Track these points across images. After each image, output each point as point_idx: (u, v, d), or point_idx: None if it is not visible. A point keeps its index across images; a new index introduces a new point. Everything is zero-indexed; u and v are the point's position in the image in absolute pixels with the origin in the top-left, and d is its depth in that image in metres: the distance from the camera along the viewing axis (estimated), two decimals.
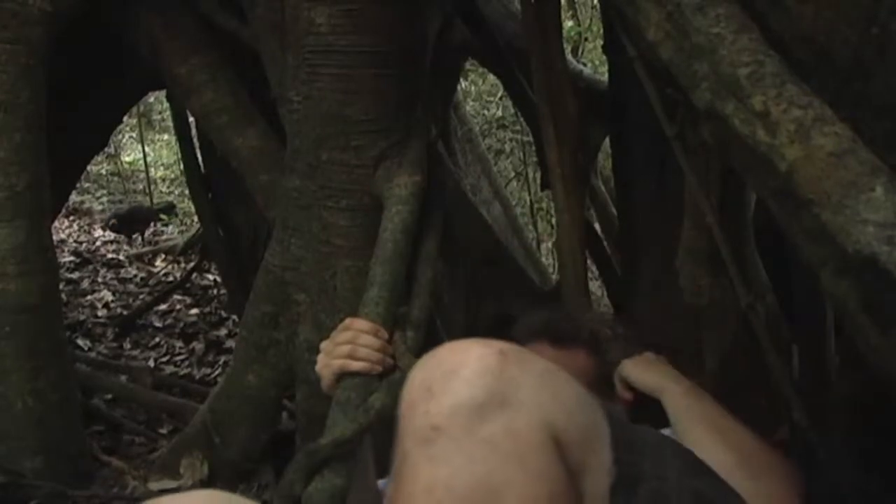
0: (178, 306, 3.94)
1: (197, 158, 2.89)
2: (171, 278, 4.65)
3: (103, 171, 8.44)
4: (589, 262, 2.18)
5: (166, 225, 6.39)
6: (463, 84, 5.21)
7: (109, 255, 5.20)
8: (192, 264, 4.40)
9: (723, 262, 1.30)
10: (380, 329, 1.45)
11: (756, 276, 1.50)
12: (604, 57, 2.33)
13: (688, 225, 1.47)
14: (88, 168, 4.55)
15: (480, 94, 6.02)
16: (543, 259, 4.57)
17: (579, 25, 5.35)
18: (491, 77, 5.05)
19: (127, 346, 3.42)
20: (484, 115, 5.85)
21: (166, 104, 3.90)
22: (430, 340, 1.53)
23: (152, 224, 6.14)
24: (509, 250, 2.72)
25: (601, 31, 3.21)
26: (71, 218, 6.46)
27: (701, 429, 1.17)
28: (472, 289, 2.18)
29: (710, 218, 1.31)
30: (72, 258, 4.92)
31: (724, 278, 1.41)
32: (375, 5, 1.67)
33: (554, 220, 3.14)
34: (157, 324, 3.68)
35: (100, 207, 7.11)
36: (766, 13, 0.99)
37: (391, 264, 1.58)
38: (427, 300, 1.62)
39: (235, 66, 2.19)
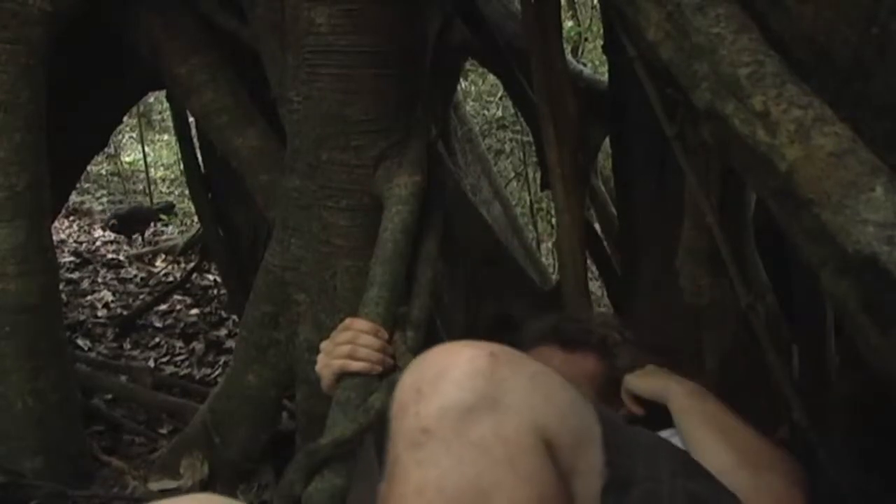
0: (178, 306, 3.94)
1: (197, 158, 2.89)
2: (171, 278, 4.65)
3: (103, 172, 8.44)
4: (589, 262, 2.18)
5: (166, 225, 6.39)
6: (463, 84, 5.21)
7: (109, 256, 5.20)
8: (192, 264, 4.40)
9: (723, 262, 1.30)
10: (380, 329, 1.46)
11: (756, 276, 1.51)
12: (604, 57, 2.33)
13: (688, 225, 1.47)
14: (88, 168, 4.55)
15: (480, 94, 6.02)
16: (543, 259, 4.57)
17: (579, 25, 5.35)
18: (491, 77, 5.05)
19: (127, 346, 3.42)
20: (484, 115, 5.85)
21: (166, 104, 3.90)
22: (430, 340, 1.53)
23: (152, 224, 6.14)
24: (509, 250, 2.72)
25: (601, 31, 3.21)
26: (71, 218, 6.46)
27: (704, 428, 1.17)
28: (472, 289, 2.18)
29: (710, 218, 1.31)
30: (72, 258, 4.91)
31: (724, 278, 1.41)
32: (375, 5, 1.67)
33: (554, 221, 3.13)
34: (158, 324, 3.67)
35: (100, 207, 7.11)
36: (766, 13, 0.99)
37: (391, 264, 1.58)
38: (427, 300, 1.62)
39: (235, 66, 2.18)
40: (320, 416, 1.49)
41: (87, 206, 7.00)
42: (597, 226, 2.99)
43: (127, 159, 8.79)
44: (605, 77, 2.27)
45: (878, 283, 0.78)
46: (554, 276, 3.45)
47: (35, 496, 1.87)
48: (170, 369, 3.16)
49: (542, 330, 1.48)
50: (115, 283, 4.54)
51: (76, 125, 2.42)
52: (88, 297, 4.08)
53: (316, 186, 1.77)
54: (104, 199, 7.66)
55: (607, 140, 2.17)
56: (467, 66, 4.26)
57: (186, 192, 4.37)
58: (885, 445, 1.25)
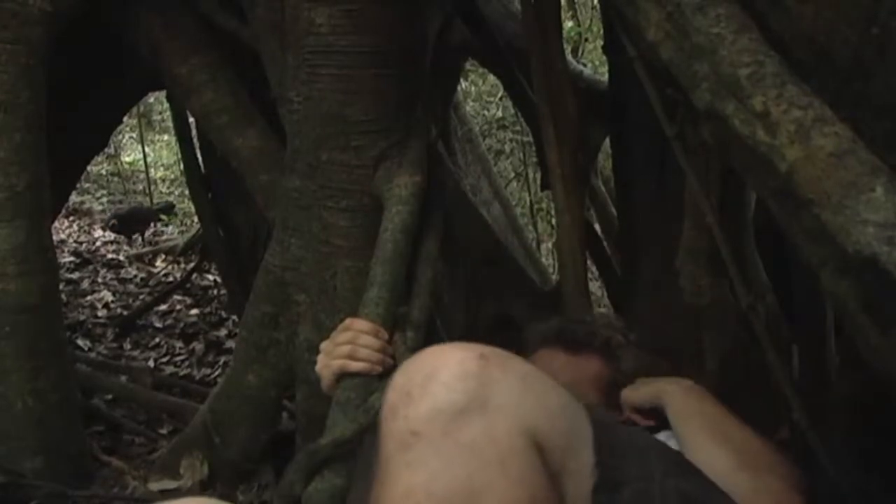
0: (178, 307, 3.94)
1: (197, 159, 2.89)
2: (171, 279, 4.65)
3: (103, 172, 8.44)
4: (589, 262, 2.18)
5: (166, 225, 6.40)
6: (463, 84, 5.21)
7: (109, 256, 5.20)
8: (192, 265, 4.40)
9: (723, 262, 1.30)
10: (380, 329, 1.45)
11: (756, 276, 1.51)
12: (604, 57, 2.34)
13: (688, 225, 1.47)
14: (88, 168, 4.55)
15: (481, 94, 6.03)
16: (543, 259, 4.58)
17: (579, 26, 5.36)
18: (491, 77, 5.05)
19: (127, 346, 3.42)
20: (484, 115, 5.85)
21: (166, 104, 3.90)
22: (430, 341, 1.53)
23: (152, 224, 6.14)
24: (509, 250, 2.72)
25: (601, 31, 3.21)
26: (71, 218, 6.47)
27: (702, 431, 1.16)
28: (472, 289, 2.18)
29: (710, 218, 1.31)
30: (72, 258, 4.91)
31: (724, 278, 1.41)
32: (375, 5, 1.67)
33: (554, 221, 3.13)
34: (158, 324, 3.67)
35: (100, 208, 7.11)
36: (766, 13, 0.99)
37: (391, 264, 1.58)
38: (427, 300, 1.62)
39: (235, 66, 2.18)
40: (320, 417, 1.49)
41: (87, 206, 7.00)
42: (597, 226, 2.99)
43: (127, 159, 8.80)
44: (605, 77, 2.27)
45: (878, 284, 0.78)
46: (554, 277, 3.45)
47: (35, 496, 1.87)
48: (170, 369, 3.16)
49: (544, 332, 1.47)
50: (115, 283, 4.54)
51: (76, 125, 2.42)
52: (88, 297, 4.08)
53: (316, 186, 1.77)
54: (104, 199, 7.66)
55: (607, 140, 2.17)
56: (467, 66, 4.26)
57: (186, 192, 4.37)
58: (885, 445, 1.25)
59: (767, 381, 1.36)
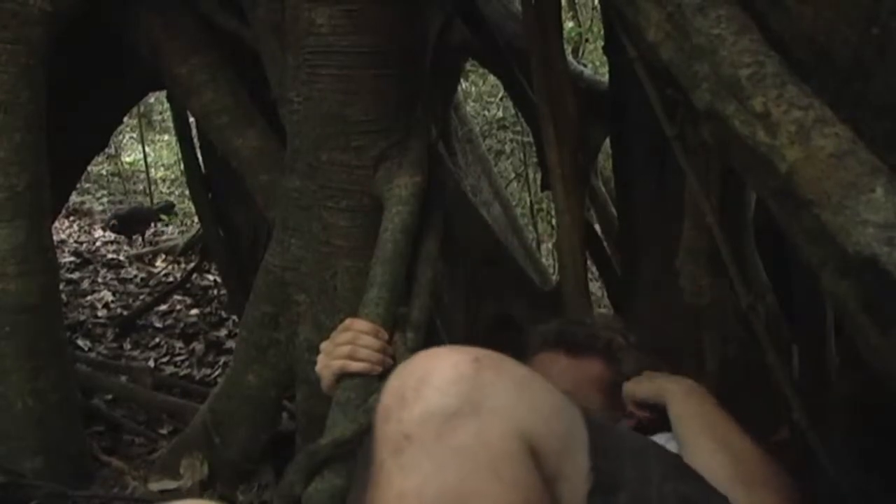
0: (178, 307, 3.94)
1: (197, 159, 2.89)
2: (171, 279, 4.65)
3: (103, 172, 8.44)
4: (589, 262, 2.18)
5: (167, 225, 6.40)
6: (463, 85, 5.21)
7: (110, 256, 5.20)
8: (192, 265, 4.40)
9: (723, 262, 1.30)
10: (380, 330, 1.45)
11: (756, 276, 1.51)
12: (604, 58, 2.33)
13: (688, 225, 1.47)
14: (88, 168, 4.55)
15: (481, 94, 6.03)
16: (543, 259, 4.58)
17: (580, 26, 5.36)
18: (491, 78, 5.06)
19: (127, 346, 3.42)
20: (484, 115, 5.85)
21: (166, 104, 3.90)
22: (429, 341, 1.54)
23: (152, 224, 6.14)
24: (509, 250, 2.72)
25: (602, 31, 3.21)
26: (71, 218, 6.47)
27: (701, 436, 1.15)
28: (472, 289, 2.18)
29: (710, 218, 1.31)
30: (72, 258, 4.92)
31: (724, 278, 1.41)
32: (375, 5, 1.67)
33: (554, 221, 3.14)
34: (158, 324, 3.67)
35: (100, 208, 7.12)
36: (766, 13, 0.99)
37: (391, 265, 1.58)
38: (427, 301, 1.62)
39: (235, 67, 2.18)
40: (320, 417, 1.49)
41: (87, 206, 7.00)
42: (597, 226, 2.99)
43: (127, 159, 8.80)
44: (605, 77, 2.27)
45: (878, 284, 0.78)
46: (554, 277, 3.45)
47: (35, 496, 1.87)
48: (170, 370, 3.16)
49: (544, 335, 1.47)
50: (115, 283, 4.54)
51: (76, 125, 2.42)
52: (88, 297, 4.08)
53: (316, 187, 1.77)
54: (104, 200, 7.67)
55: (607, 140, 2.17)
56: (467, 66, 4.26)
57: (186, 192, 4.37)
58: (885, 445, 1.25)
59: (767, 381, 1.36)
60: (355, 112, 1.71)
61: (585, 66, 3.88)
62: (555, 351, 1.42)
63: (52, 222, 2.32)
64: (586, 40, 5.31)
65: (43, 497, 1.88)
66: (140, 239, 5.75)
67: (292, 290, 1.85)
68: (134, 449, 2.38)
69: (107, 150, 6.74)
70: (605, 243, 2.63)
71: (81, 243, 5.59)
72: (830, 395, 1.50)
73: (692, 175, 1.32)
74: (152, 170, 8.11)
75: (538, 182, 3.88)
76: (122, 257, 5.18)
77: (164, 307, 3.88)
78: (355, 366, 1.40)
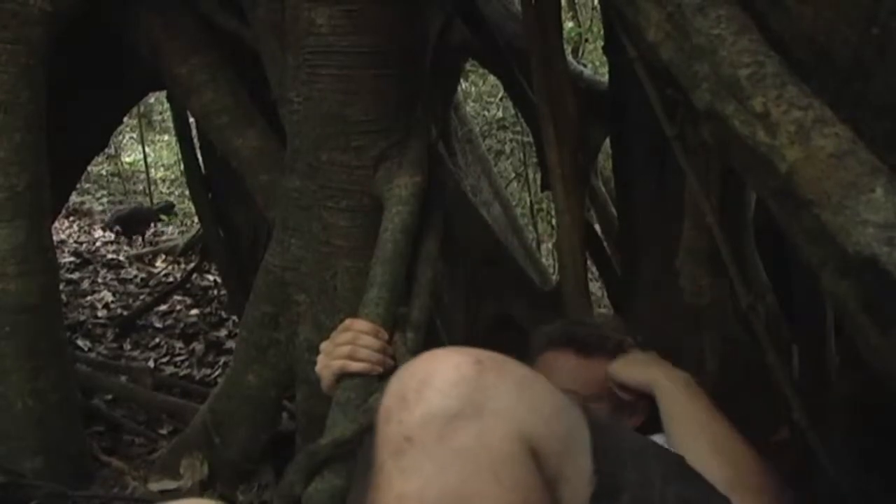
0: (178, 307, 3.94)
1: (197, 159, 2.89)
2: (171, 279, 4.65)
3: (103, 172, 8.45)
4: (589, 262, 2.18)
5: (167, 225, 6.40)
6: (463, 85, 5.21)
7: (109, 256, 5.20)
8: (192, 265, 4.40)
9: (723, 262, 1.30)
10: (380, 330, 1.45)
11: (756, 276, 1.51)
12: (604, 58, 2.33)
13: (688, 225, 1.47)
14: (88, 168, 4.55)
15: (481, 94, 6.03)
16: (543, 259, 4.58)
17: (580, 26, 5.36)
18: (491, 78, 5.06)
19: (127, 346, 3.42)
20: (484, 115, 5.86)
21: (166, 105, 3.90)
22: (430, 341, 1.54)
23: (152, 224, 6.14)
24: (509, 250, 2.72)
25: (601, 31, 3.21)
26: (71, 218, 6.47)
27: (697, 437, 1.15)
28: (472, 289, 2.18)
29: (710, 218, 1.31)
30: (72, 259, 4.92)
31: (724, 278, 1.41)
32: (375, 5, 1.67)
33: (554, 221, 3.14)
34: (158, 324, 3.67)
35: (100, 208, 7.12)
36: (766, 13, 0.99)
37: (391, 265, 1.58)
38: (427, 301, 1.62)
39: (235, 67, 2.18)
40: (320, 417, 1.49)
41: (87, 206, 7.01)
42: (597, 226, 2.99)
43: (127, 159, 8.81)
44: (605, 77, 2.27)
45: (878, 284, 0.78)
46: (554, 277, 3.45)
47: (35, 496, 1.87)
48: (170, 370, 3.16)
49: (552, 334, 1.45)
50: (115, 283, 4.54)
51: (76, 125, 2.42)
52: (88, 298, 4.08)
53: (316, 187, 1.77)
54: (104, 200, 7.67)
55: (607, 140, 2.17)
56: (467, 66, 4.26)
57: (186, 192, 4.38)
58: (885, 445, 1.25)
59: (767, 381, 1.36)
60: (355, 112, 1.71)
61: (585, 66, 3.88)
62: (563, 350, 1.41)
63: (52, 222, 2.33)
64: (586, 40, 5.31)
65: (43, 497, 1.88)
66: (140, 239, 5.75)
67: (292, 290, 1.85)
68: (134, 449, 2.38)
69: (107, 150, 6.74)
70: (605, 243, 2.63)
71: (81, 243, 5.59)
72: (830, 395, 1.49)
73: (692, 175, 1.31)
74: (152, 170, 8.12)
75: (538, 182, 3.88)
76: (122, 257, 5.18)
77: (164, 307, 3.88)
78: (355, 366, 1.40)
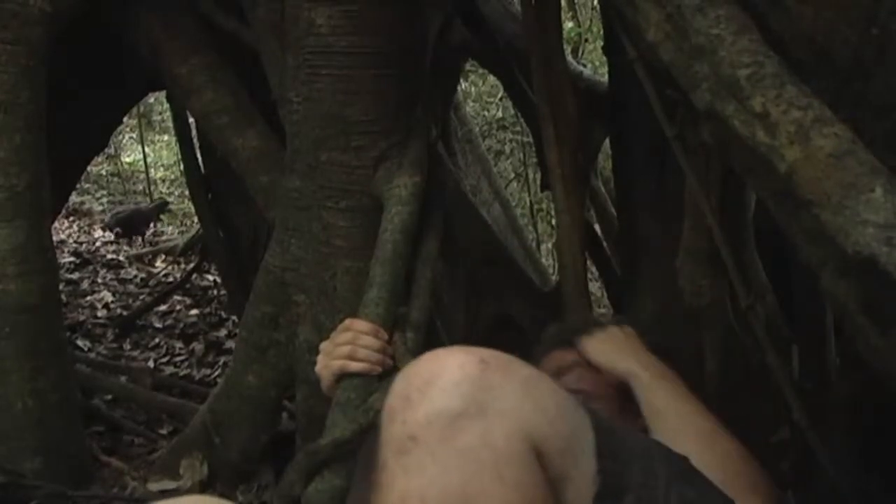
0: (177, 307, 3.94)
1: (197, 159, 2.89)
2: (170, 279, 4.65)
3: (103, 172, 8.45)
4: (589, 262, 2.18)
5: (168, 225, 6.40)
6: (463, 85, 5.21)
7: (109, 256, 5.20)
8: (192, 265, 4.40)
9: (723, 263, 1.30)
10: (380, 330, 1.45)
11: (756, 277, 1.51)
12: (604, 58, 2.33)
13: (688, 225, 1.47)
14: (88, 168, 4.55)
15: (481, 95, 6.03)
16: (543, 260, 4.58)
17: (579, 26, 5.36)
18: (491, 78, 5.06)
19: (127, 346, 3.42)
20: (484, 116, 5.86)
21: (166, 105, 3.90)
22: (429, 341, 1.54)
23: (152, 224, 6.14)
24: (509, 251, 2.72)
25: (601, 31, 3.21)
26: (71, 218, 6.48)
27: (681, 433, 1.13)
28: (472, 289, 2.18)
29: (710, 218, 1.31)
30: (72, 259, 4.92)
31: (723, 278, 1.41)
32: (375, 6, 1.67)
33: (554, 221, 3.14)
34: (157, 324, 3.67)
35: (100, 208, 7.13)
36: (766, 13, 0.99)
37: (391, 265, 1.58)
38: (427, 301, 1.62)
39: (235, 67, 2.19)
40: (320, 417, 1.49)
41: (87, 206, 7.01)
42: (597, 226, 2.99)
43: (127, 160, 8.81)
44: (605, 77, 2.26)
45: (877, 284, 0.78)
46: (554, 277, 3.45)
47: (35, 496, 1.87)
48: (169, 370, 3.16)
49: (563, 333, 1.44)
50: (115, 283, 4.54)
51: (76, 125, 2.42)
52: (88, 298, 4.08)
53: (316, 187, 1.77)
54: (104, 200, 7.67)
55: (607, 140, 2.17)
56: (467, 66, 4.26)
57: (186, 192, 4.37)
58: (885, 445, 1.25)
59: (767, 381, 1.36)
60: (355, 112, 1.71)
61: (585, 66, 3.89)
62: (570, 350, 1.40)
63: (52, 222, 2.33)
64: (586, 40, 5.31)
65: (43, 497, 1.88)
66: (140, 239, 5.76)
67: (292, 290, 1.85)
68: (134, 449, 2.38)
69: (107, 150, 6.76)
70: (605, 243, 2.63)
71: (81, 243, 5.59)
72: (830, 395, 1.49)
73: (692, 175, 1.32)
74: (152, 170, 8.12)
75: (538, 182, 3.88)
76: (121, 257, 5.18)
77: (163, 307, 3.88)
78: (355, 366, 1.40)
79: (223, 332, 3.58)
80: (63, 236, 5.69)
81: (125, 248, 5.57)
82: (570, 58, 2.69)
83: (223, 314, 3.82)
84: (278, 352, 1.91)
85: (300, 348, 1.86)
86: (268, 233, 2.13)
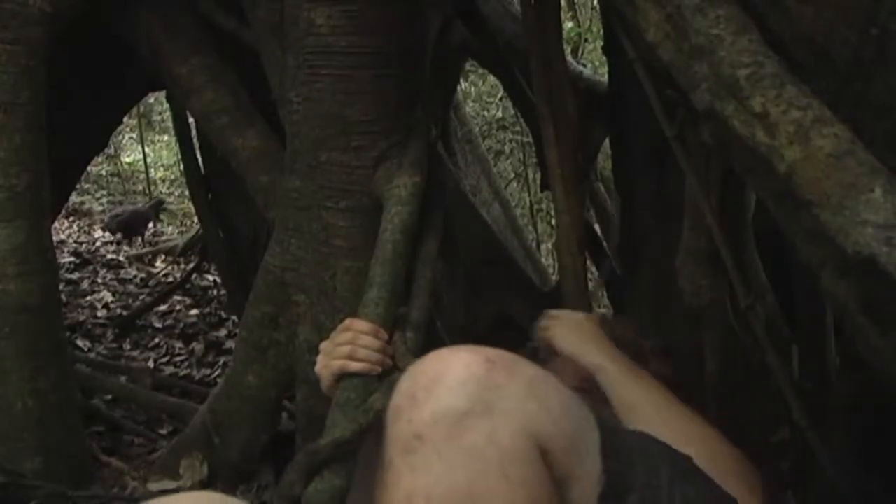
0: (177, 307, 3.94)
1: (197, 159, 2.89)
2: (170, 279, 4.65)
3: (103, 172, 8.45)
4: (589, 262, 2.18)
5: (168, 225, 6.40)
6: (463, 85, 5.21)
7: (109, 256, 5.20)
8: (191, 265, 4.40)
9: (722, 263, 1.30)
10: (379, 330, 1.45)
11: (756, 277, 1.50)
12: (604, 58, 2.33)
13: (688, 225, 1.47)
14: (88, 168, 4.55)
15: (480, 95, 6.03)
16: (543, 259, 4.58)
17: (579, 26, 5.36)
18: (491, 78, 5.06)
19: (127, 346, 3.42)
20: (484, 116, 5.86)
21: (166, 105, 3.90)
22: (429, 341, 1.53)
23: (152, 224, 6.14)
24: (509, 250, 2.72)
25: (601, 32, 3.21)
26: (71, 218, 6.47)
27: (651, 424, 1.11)
28: (472, 289, 2.18)
29: (710, 218, 1.31)
30: (72, 259, 4.92)
31: (723, 279, 1.41)
32: (375, 6, 1.67)
33: (554, 221, 3.14)
34: (157, 324, 3.67)
35: (100, 208, 7.12)
36: (766, 13, 0.99)
37: (391, 265, 1.58)
38: (427, 301, 1.62)
39: (235, 67, 2.19)
40: (320, 417, 1.49)
41: (87, 206, 7.01)
42: (597, 226, 2.99)
43: (127, 160, 8.81)
44: (605, 77, 2.26)
45: (877, 284, 0.78)
46: (554, 277, 3.45)
47: (35, 496, 1.87)
48: (169, 370, 3.16)
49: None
50: (115, 283, 4.54)
51: (76, 125, 2.42)
52: (88, 298, 4.08)
53: (316, 187, 1.77)
54: (104, 200, 7.67)
55: (607, 140, 2.17)
56: (467, 66, 4.26)
57: (186, 192, 4.37)
58: (885, 445, 1.25)
59: (767, 381, 1.36)
60: (355, 112, 1.71)
61: (585, 66, 3.89)
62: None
63: (52, 222, 2.33)
64: (586, 40, 5.31)
65: (43, 497, 1.88)
66: (140, 239, 5.76)
67: (292, 290, 1.85)
68: (134, 449, 2.38)
69: (107, 150, 6.75)
70: (605, 243, 2.63)
71: (81, 243, 5.59)
72: (830, 395, 1.49)
73: (692, 175, 1.32)
74: (152, 170, 8.12)
75: (538, 182, 3.88)
76: (121, 258, 5.18)
77: (163, 307, 3.88)
78: (355, 366, 1.40)
79: (223, 332, 3.58)
80: (63, 236, 5.69)
81: (125, 248, 5.57)
82: (570, 58, 2.70)
83: (223, 314, 3.82)
84: (278, 352, 1.91)
85: (300, 348, 1.86)
86: (268, 233, 2.13)
